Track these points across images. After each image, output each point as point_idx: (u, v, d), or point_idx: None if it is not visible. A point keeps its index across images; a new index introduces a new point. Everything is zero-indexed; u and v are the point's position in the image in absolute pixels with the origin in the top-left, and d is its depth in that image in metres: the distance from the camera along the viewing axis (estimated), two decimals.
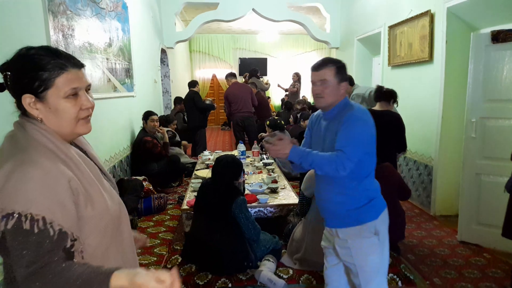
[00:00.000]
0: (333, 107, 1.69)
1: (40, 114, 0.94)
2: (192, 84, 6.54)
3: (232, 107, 6.10)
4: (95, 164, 1.09)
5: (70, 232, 0.89)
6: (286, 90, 9.45)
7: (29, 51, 0.95)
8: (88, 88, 1.02)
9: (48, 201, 0.85)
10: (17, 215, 0.82)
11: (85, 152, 1.08)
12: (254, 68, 8.42)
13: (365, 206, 1.65)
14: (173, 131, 5.68)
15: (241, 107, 6.04)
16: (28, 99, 0.93)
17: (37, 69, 0.92)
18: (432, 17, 3.70)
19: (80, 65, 1.00)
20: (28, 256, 0.83)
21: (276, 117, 5.24)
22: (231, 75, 6.32)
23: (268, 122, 5.18)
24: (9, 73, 0.93)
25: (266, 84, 8.73)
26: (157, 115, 4.60)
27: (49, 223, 0.85)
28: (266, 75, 10.98)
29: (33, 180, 0.85)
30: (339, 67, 1.73)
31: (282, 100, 9.32)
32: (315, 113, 1.89)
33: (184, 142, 6.08)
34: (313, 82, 1.71)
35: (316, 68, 1.73)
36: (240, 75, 10.24)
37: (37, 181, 0.85)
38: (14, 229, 0.82)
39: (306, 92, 11.29)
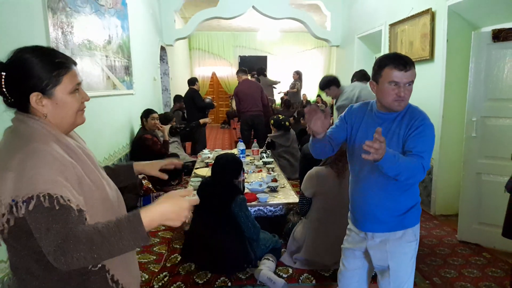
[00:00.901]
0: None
1: (45, 109, 1.02)
2: (192, 81, 6.49)
3: (241, 106, 5.98)
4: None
5: (85, 210, 0.96)
6: (285, 94, 9.46)
7: (24, 54, 1.00)
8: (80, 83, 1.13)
9: (61, 183, 0.92)
10: (36, 197, 0.88)
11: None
12: (261, 66, 8.41)
13: (410, 211, 1.62)
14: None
15: (250, 105, 5.92)
16: (35, 97, 1.00)
17: (45, 69, 1.00)
18: (433, 15, 3.68)
19: (75, 63, 1.10)
20: (54, 230, 0.88)
21: (280, 117, 5.20)
22: (242, 71, 6.18)
23: (272, 122, 5.16)
24: (3, 73, 0.98)
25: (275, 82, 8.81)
26: (157, 112, 4.59)
27: (67, 200, 0.91)
28: (266, 72, 10.96)
29: (45, 166, 0.92)
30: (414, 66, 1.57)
31: (282, 98, 9.30)
32: (357, 106, 1.73)
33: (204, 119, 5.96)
34: (397, 83, 1.48)
35: (404, 66, 1.48)
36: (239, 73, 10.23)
37: (49, 166, 0.92)
38: (36, 209, 0.88)
39: (306, 90, 11.29)
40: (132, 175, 1.48)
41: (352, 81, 4.36)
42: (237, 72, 6.22)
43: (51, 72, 1.01)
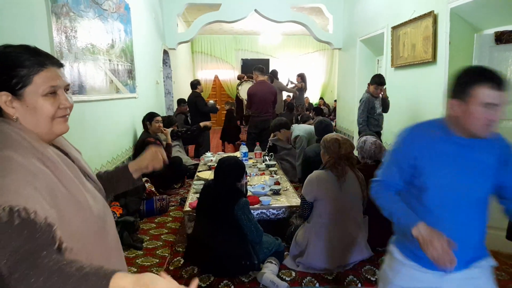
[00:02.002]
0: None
1: (16, 112, 0.92)
2: (194, 84, 6.42)
3: (252, 108, 5.83)
4: (77, 165, 1.07)
5: (55, 225, 0.81)
6: (294, 87, 9.17)
7: (6, 49, 0.94)
8: (67, 88, 1.01)
9: (27, 193, 0.80)
10: None
11: (66, 154, 1.06)
12: (274, 69, 8.31)
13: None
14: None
15: (263, 111, 5.78)
16: (4, 97, 0.91)
17: (15, 66, 0.91)
18: (435, 18, 3.68)
19: (59, 64, 0.99)
20: (10, 247, 0.74)
21: (282, 119, 5.21)
22: (259, 70, 5.91)
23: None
24: None
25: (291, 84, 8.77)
26: (160, 116, 4.60)
27: (32, 212, 0.78)
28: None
29: (9, 175, 0.80)
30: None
31: (285, 101, 9.26)
32: (420, 128, 1.46)
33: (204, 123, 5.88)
34: (493, 105, 1.23)
35: (499, 85, 1.22)
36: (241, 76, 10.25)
37: (14, 175, 0.81)
38: None
39: (308, 93, 11.29)
40: (128, 175, 1.35)
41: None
42: (254, 69, 6.00)
43: (22, 70, 0.91)
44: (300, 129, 4.95)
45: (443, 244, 1.19)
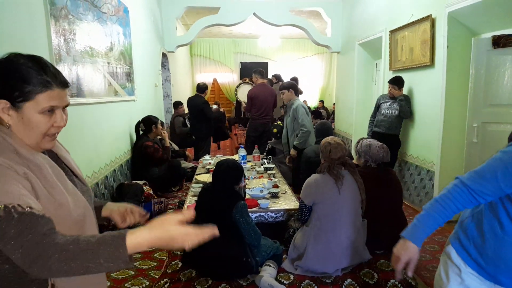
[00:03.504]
0: None
1: (10, 120, 0.94)
2: (202, 89, 6.10)
3: (253, 111, 5.81)
4: (66, 166, 1.11)
5: (49, 217, 0.87)
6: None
7: (19, 59, 0.94)
8: (66, 106, 1.03)
9: (17, 192, 0.84)
10: None
11: (56, 155, 1.09)
12: (277, 74, 8.36)
13: None
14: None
15: (264, 114, 5.77)
16: (2, 104, 0.93)
17: (21, 81, 0.92)
18: (433, 22, 3.70)
19: (65, 85, 1.00)
20: (18, 239, 0.81)
21: (280, 124, 5.20)
22: (259, 73, 5.91)
23: (275, 130, 5.15)
24: None
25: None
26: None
27: (27, 207, 0.83)
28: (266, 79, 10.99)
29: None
30: None
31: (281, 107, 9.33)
32: None
33: (187, 153, 5.92)
34: None
35: None
36: (240, 79, 10.26)
37: (3, 178, 0.84)
38: None
39: (307, 96, 11.33)
40: (96, 213, 1.25)
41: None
42: (254, 72, 5.97)
43: (27, 86, 0.93)
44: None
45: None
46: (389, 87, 4.31)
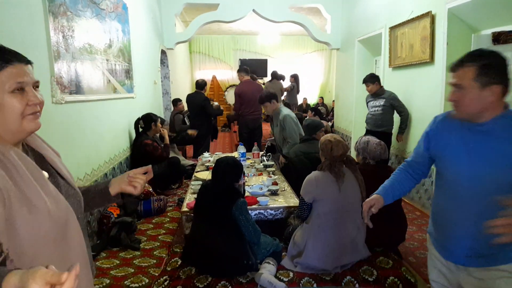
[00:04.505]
0: (490, 118, 1.31)
1: None
2: (201, 85, 6.09)
3: (242, 108, 5.85)
4: (53, 167, 1.05)
5: None
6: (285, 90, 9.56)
7: None
8: (36, 85, 0.98)
9: None
10: None
11: (41, 156, 1.04)
12: (274, 71, 8.49)
13: None
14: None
15: (252, 109, 5.81)
16: None
17: None
18: (433, 18, 3.69)
19: (27, 61, 0.96)
20: None
21: None
22: (244, 71, 6.02)
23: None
24: None
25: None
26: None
27: None
28: (266, 76, 10.98)
29: None
30: (484, 65, 1.27)
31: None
32: (441, 117, 1.54)
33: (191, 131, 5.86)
34: (450, 85, 1.38)
35: (452, 67, 1.36)
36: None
37: None
38: None
39: (306, 93, 11.31)
40: (106, 194, 1.29)
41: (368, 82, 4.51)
42: (239, 71, 6.06)
43: None
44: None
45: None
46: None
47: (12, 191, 0.86)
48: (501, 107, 1.30)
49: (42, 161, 1.04)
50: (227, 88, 9.54)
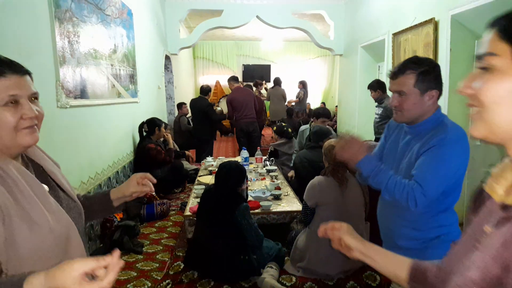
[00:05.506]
0: (421, 121, 1.42)
1: None
2: (206, 91, 6.12)
3: (235, 113, 5.99)
4: (53, 180, 1.03)
5: None
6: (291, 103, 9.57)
7: None
8: (34, 96, 0.94)
9: None
10: None
11: (41, 168, 1.02)
12: (277, 77, 8.59)
13: (432, 242, 1.42)
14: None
15: (245, 113, 5.93)
16: None
17: None
18: (436, 25, 3.70)
19: (24, 72, 0.92)
20: None
21: (283, 124, 5.22)
22: (234, 79, 6.21)
23: (275, 128, 5.16)
24: None
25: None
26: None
27: None
28: (269, 81, 11.01)
29: None
30: (422, 72, 1.37)
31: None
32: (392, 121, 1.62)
33: (188, 152, 5.93)
34: (391, 91, 1.45)
35: (392, 75, 1.44)
36: (243, 81, 10.30)
37: None
38: None
39: (310, 99, 11.32)
40: (107, 203, 1.25)
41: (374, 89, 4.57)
42: (229, 80, 6.22)
43: None
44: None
45: None
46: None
47: (13, 208, 0.84)
48: (434, 110, 1.43)
49: (42, 173, 1.02)
50: (220, 98, 9.69)
